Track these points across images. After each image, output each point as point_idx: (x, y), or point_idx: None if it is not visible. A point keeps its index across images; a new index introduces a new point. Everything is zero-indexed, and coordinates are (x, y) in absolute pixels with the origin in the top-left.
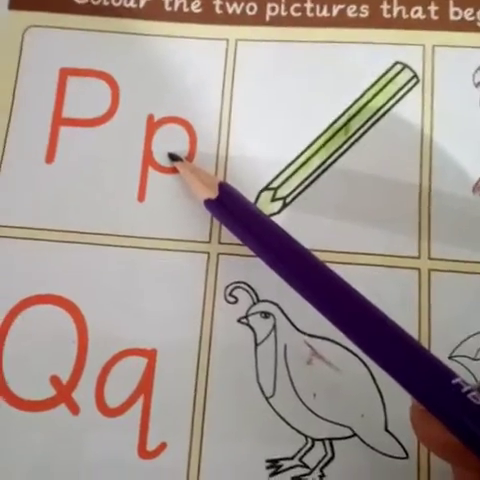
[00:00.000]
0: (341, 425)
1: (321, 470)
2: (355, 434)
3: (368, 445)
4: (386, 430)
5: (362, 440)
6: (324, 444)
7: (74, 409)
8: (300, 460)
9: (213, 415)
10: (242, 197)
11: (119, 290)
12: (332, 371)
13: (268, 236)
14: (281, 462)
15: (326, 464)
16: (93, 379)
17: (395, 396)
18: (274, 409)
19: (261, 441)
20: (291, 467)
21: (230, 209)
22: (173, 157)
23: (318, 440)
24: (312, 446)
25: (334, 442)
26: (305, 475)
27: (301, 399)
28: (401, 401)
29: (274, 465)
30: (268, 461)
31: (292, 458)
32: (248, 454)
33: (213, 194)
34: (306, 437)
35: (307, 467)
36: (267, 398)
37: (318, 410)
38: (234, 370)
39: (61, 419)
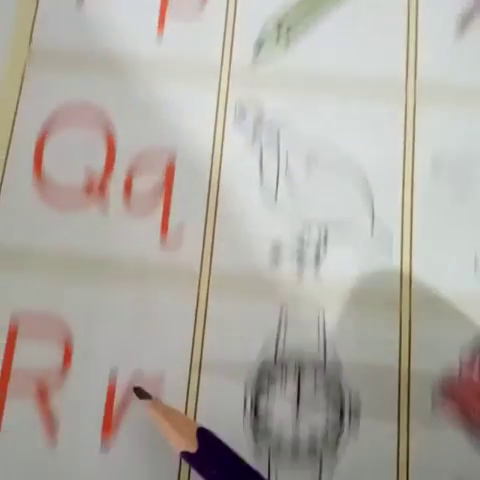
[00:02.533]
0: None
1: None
2: None
3: None
4: None
5: None
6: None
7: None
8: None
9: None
10: (224, 448)
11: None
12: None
13: None
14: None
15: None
16: (121, 179)
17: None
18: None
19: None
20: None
21: (212, 462)
22: (140, 394)
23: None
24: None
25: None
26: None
27: None
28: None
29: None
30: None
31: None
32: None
33: (192, 446)
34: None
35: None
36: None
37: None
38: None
39: (92, 219)
